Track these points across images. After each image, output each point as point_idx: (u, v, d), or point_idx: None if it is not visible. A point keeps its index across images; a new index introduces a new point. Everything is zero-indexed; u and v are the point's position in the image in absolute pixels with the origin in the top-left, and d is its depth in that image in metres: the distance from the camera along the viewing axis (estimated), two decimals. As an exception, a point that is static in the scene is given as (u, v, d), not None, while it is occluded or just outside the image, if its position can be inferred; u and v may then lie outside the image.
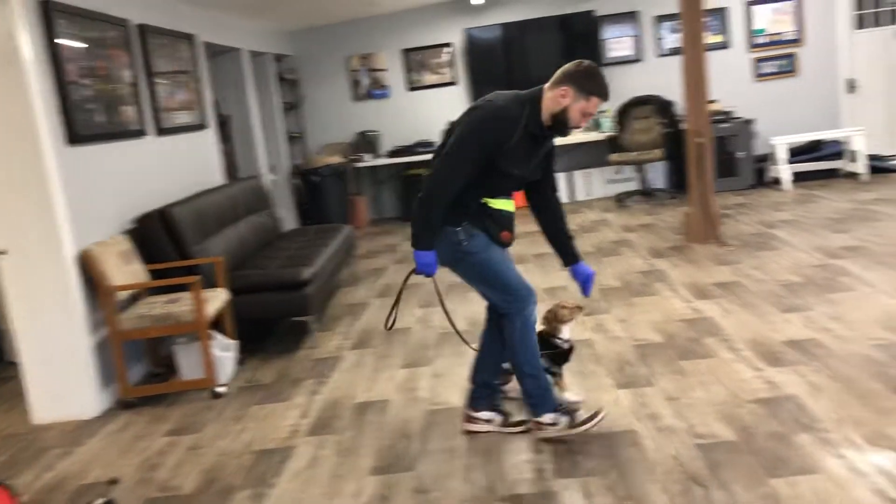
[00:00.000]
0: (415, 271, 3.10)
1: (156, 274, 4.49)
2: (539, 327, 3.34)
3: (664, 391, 3.48)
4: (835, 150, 8.48)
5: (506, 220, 3.12)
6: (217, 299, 4.35)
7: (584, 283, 3.27)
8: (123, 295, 4.22)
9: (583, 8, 9.12)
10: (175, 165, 5.47)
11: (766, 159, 8.80)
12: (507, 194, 3.14)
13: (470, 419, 3.34)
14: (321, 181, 8.40)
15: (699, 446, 2.96)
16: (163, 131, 5.31)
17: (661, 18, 9.14)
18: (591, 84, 2.94)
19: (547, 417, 3.17)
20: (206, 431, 3.72)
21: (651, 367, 3.78)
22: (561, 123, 3.00)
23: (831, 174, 8.52)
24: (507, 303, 3.14)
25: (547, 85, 3.02)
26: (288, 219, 8.70)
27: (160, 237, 4.57)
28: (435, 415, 3.56)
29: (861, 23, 9.06)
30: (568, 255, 3.28)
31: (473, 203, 3.04)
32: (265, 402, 4.01)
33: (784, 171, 8.13)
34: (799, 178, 8.48)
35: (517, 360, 3.17)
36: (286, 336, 5.12)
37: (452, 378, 3.98)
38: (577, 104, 2.96)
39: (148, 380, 4.53)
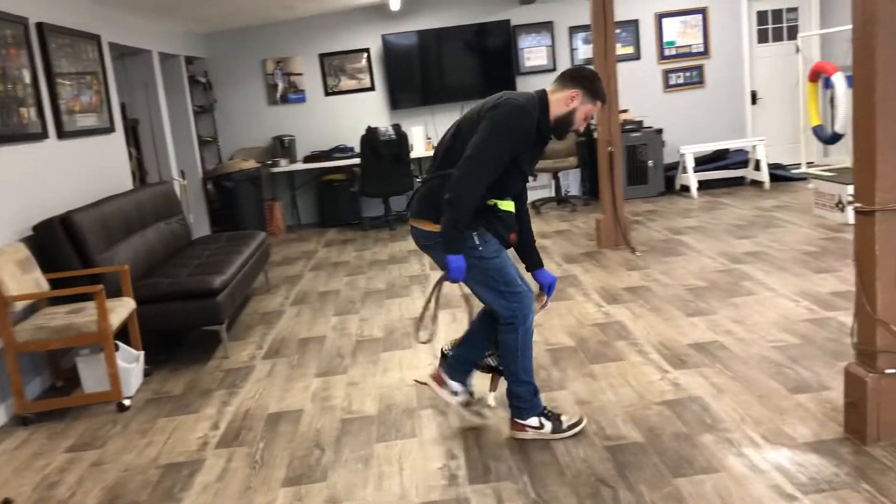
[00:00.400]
0: (446, 277, 3.01)
1: (57, 283, 4.30)
2: None
3: (576, 394, 3.55)
4: (740, 158, 8.84)
5: (512, 221, 3.11)
6: (122, 309, 4.19)
7: (549, 287, 3.30)
8: (21, 305, 4.02)
9: (499, 17, 9.23)
10: (79, 170, 5.26)
11: (675, 168, 9.09)
12: (512, 195, 3.12)
13: (442, 382, 3.30)
14: (235, 187, 8.23)
15: (608, 448, 3.02)
16: (66, 134, 5.10)
17: (575, 29, 9.34)
18: (598, 88, 2.99)
19: (533, 421, 3.16)
20: (110, 446, 3.58)
21: (564, 371, 3.84)
22: (564, 125, 3.02)
23: (737, 182, 8.87)
24: (511, 310, 3.07)
25: (550, 88, 3.02)
26: (200, 225, 8.49)
27: (61, 244, 4.38)
28: (349, 424, 3.53)
29: (764, 37, 9.49)
30: (533, 260, 3.30)
31: (482, 205, 2.98)
32: (173, 414, 3.89)
33: (692, 179, 8.41)
34: (706, 185, 8.80)
35: (515, 366, 3.14)
36: (196, 346, 4.98)
37: (367, 386, 3.95)
38: (584, 107, 2.99)
39: (48, 394, 4.33)
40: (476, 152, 2.86)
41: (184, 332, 5.26)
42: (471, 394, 3.39)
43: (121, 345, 4.23)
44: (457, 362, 3.34)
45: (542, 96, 2.99)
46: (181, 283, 4.61)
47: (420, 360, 4.23)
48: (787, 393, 3.31)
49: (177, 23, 7.89)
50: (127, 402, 4.02)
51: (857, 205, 2.71)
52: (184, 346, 5.01)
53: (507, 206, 3.08)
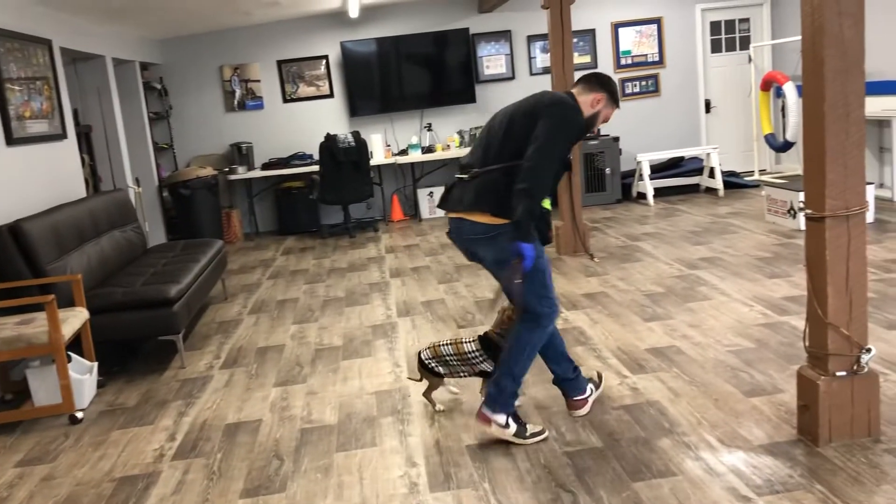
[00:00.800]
0: (518, 266, 2.97)
1: (6, 293, 4.19)
2: (488, 329, 3.53)
3: (535, 399, 3.56)
4: (695, 166, 8.99)
5: (549, 219, 3.31)
6: (75, 319, 4.10)
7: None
8: (-32, 316, 3.91)
9: (458, 26, 9.28)
10: (29, 177, 5.14)
11: (631, 175, 9.22)
12: (553, 193, 3.28)
13: (577, 405, 3.38)
14: (191, 194, 8.12)
15: (568, 454, 3.03)
16: (15, 141, 4.98)
17: (533, 38, 9.43)
18: (617, 94, 3.22)
19: (501, 418, 3.15)
20: (62, 460, 3.49)
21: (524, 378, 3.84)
22: (588, 126, 3.17)
23: (692, 189, 9.02)
24: (542, 307, 3.11)
25: (575, 90, 3.17)
26: (156, 233, 8.36)
27: (10, 254, 4.27)
28: (309, 433, 3.49)
29: (717, 47, 9.68)
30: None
31: None
32: (128, 426, 3.81)
33: (648, 186, 8.53)
34: (662, 192, 8.94)
35: (517, 360, 3.14)
36: (152, 356, 4.89)
37: (327, 395, 3.92)
38: (606, 110, 3.20)
39: (-3, 407, 4.21)
40: (546, 144, 2.93)
41: (139, 341, 5.16)
42: (596, 381, 3.56)
43: (73, 356, 4.14)
44: (567, 385, 3.41)
45: (573, 98, 3.13)
46: (136, 292, 4.52)
47: (380, 367, 4.22)
48: (742, 396, 3.37)
49: (131, 28, 7.77)
50: (79, 415, 3.92)
51: (808, 211, 2.78)
52: (139, 357, 4.92)
53: (547, 204, 3.25)
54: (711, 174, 8.73)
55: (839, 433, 2.82)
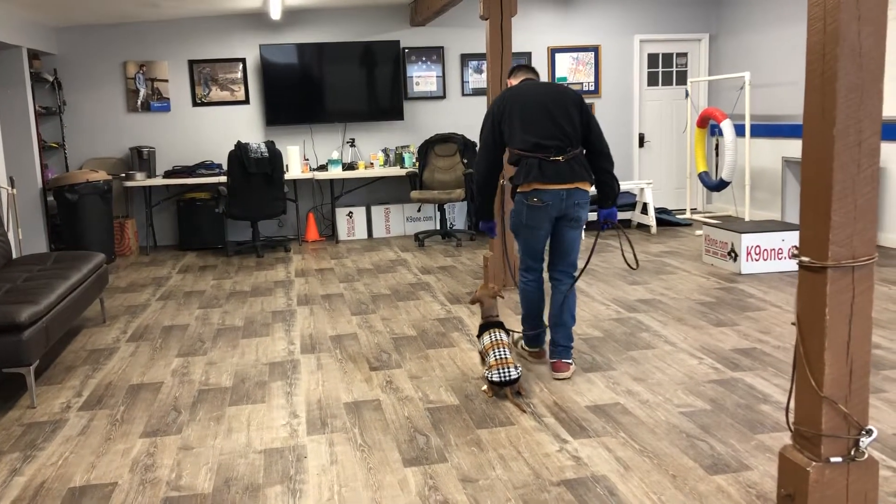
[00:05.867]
0: (611, 225, 3.99)
1: None
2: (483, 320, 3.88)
3: (459, 469, 2.94)
4: (626, 201, 8.62)
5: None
6: None
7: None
8: None
9: (388, 37, 8.71)
10: None
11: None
12: None
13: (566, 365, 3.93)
14: (78, 199, 7.23)
15: (499, 546, 2.42)
16: None
17: (467, 57, 8.94)
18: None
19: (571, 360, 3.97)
20: None
21: (445, 437, 3.23)
22: None
23: (623, 225, 8.65)
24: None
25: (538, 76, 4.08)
26: (35, 241, 7.42)
27: None
28: (175, 503, 2.77)
29: (654, 80, 9.40)
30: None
31: None
32: (-57, 485, 3.00)
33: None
34: (590, 226, 8.52)
35: (574, 311, 3.93)
36: (-2, 390, 4.06)
37: (204, 452, 3.20)
38: None
39: None
40: (601, 133, 3.83)
41: (-15, 371, 4.32)
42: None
43: None
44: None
45: None
46: (-22, 313, 3.70)
47: (273, 418, 3.52)
48: (703, 473, 2.83)
49: (17, 9, 6.88)
50: None
51: (804, 259, 2.27)
52: (-18, 391, 4.08)
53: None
54: (644, 210, 8.38)
55: (829, 531, 2.30)
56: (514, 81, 4.03)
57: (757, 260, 6.07)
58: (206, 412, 3.63)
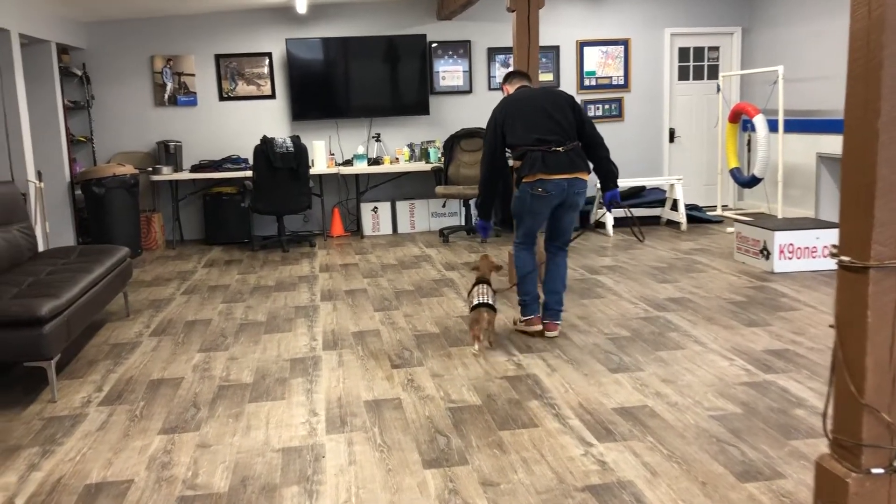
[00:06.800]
0: (614, 205, 4.44)
1: None
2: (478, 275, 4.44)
3: (480, 472, 2.86)
4: (657, 197, 8.46)
5: None
6: None
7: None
8: None
9: (415, 31, 8.63)
10: None
11: (590, 203, 8.66)
12: None
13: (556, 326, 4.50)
14: (105, 193, 7.25)
15: (520, 554, 2.34)
16: None
17: (494, 51, 8.83)
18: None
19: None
20: None
21: (466, 439, 3.15)
22: None
23: (652, 221, 8.50)
24: None
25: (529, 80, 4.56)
26: (63, 235, 7.46)
27: None
28: (191, 502, 2.72)
29: (684, 75, 9.22)
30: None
31: None
32: (-38, 480, 2.99)
33: (608, 215, 7.96)
34: (621, 223, 8.39)
35: (565, 280, 4.49)
36: (20, 384, 4.05)
37: (222, 450, 3.15)
38: None
39: None
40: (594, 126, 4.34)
41: (4, 367, 4.32)
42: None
43: None
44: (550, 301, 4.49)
45: None
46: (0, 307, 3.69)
47: (293, 415, 3.47)
48: (734, 480, 2.72)
49: (48, 4, 6.90)
50: None
51: (844, 259, 2.15)
52: (4, 385, 4.07)
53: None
54: (674, 206, 8.22)
55: (868, 545, 2.19)
56: (510, 88, 4.50)
57: (790, 258, 5.91)
58: (226, 409, 3.58)
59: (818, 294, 5.23)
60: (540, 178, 4.12)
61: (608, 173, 4.34)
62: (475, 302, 4.19)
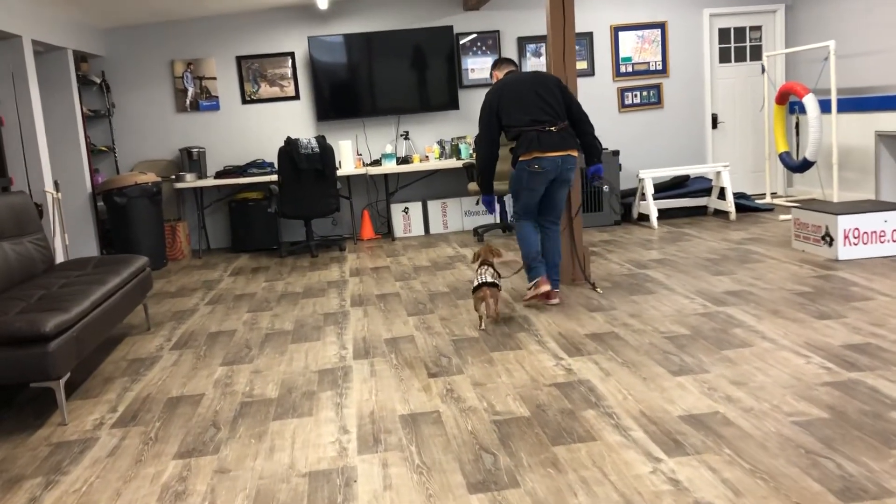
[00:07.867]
0: (596, 178, 4.81)
1: None
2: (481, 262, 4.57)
3: (534, 496, 2.49)
4: (702, 186, 8.01)
5: None
6: None
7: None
8: None
9: (441, 23, 8.29)
10: None
11: (630, 194, 8.24)
12: None
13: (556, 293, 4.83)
14: (127, 203, 7.02)
15: None
16: None
17: (524, 41, 8.46)
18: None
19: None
20: None
21: (516, 456, 2.78)
22: None
23: (698, 212, 8.04)
24: None
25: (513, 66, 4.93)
26: (85, 246, 7.24)
27: None
28: (205, 539, 2.39)
29: (726, 57, 8.76)
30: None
31: None
32: (-42, 516, 2.69)
33: (652, 207, 7.53)
34: (665, 214, 7.96)
35: (560, 250, 4.83)
36: (27, 408, 3.77)
37: (242, 475, 2.82)
38: None
39: None
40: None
41: (12, 388, 4.05)
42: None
43: None
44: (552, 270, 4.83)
45: None
46: (2, 323, 3.41)
47: (321, 434, 3.13)
48: (834, 500, 2.31)
49: (63, 10, 6.69)
50: None
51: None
52: (14, 407, 3.80)
53: None
54: (721, 195, 7.76)
55: None
56: (499, 73, 4.92)
57: (856, 244, 5.45)
58: (248, 428, 3.26)
59: (893, 282, 4.77)
60: (536, 155, 4.50)
61: (592, 148, 4.71)
62: (476, 283, 4.38)
